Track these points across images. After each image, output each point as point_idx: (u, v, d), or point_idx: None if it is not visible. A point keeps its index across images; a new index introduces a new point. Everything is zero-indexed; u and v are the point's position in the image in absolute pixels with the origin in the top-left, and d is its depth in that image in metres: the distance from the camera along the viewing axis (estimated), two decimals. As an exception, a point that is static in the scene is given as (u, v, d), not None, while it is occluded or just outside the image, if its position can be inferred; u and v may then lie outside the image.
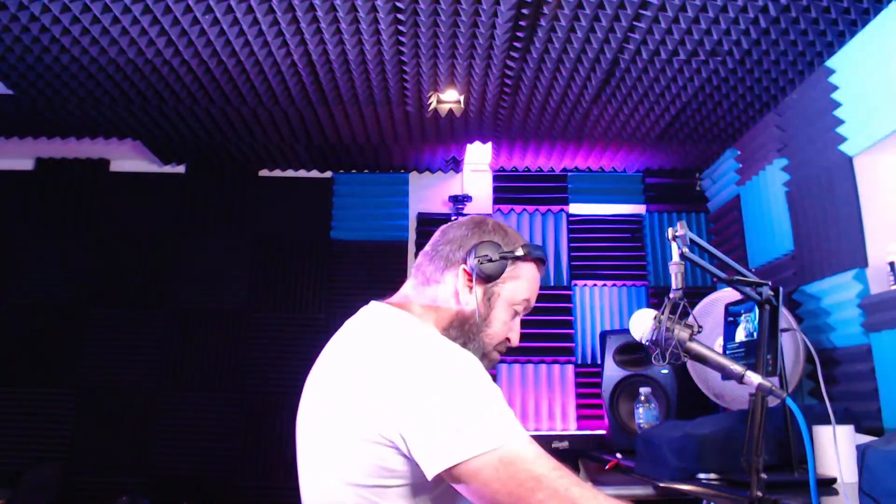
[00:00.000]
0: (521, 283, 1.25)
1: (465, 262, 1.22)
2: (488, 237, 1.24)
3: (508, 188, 3.92)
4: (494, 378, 3.61)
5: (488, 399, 1.04)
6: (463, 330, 1.21)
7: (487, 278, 1.21)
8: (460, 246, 1.24)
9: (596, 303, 3.76)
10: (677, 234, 1.41)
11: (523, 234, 3.80)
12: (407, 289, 1.28)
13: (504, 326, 1.25)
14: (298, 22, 2.35)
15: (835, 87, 2.40)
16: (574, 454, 3.41)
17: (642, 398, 2.79)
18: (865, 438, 1.77)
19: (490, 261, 1.20)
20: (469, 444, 0.99)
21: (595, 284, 3.78)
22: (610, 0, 2.21)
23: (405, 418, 1.02)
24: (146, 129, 3.34)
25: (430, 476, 1.01)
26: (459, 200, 3.79)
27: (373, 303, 1.24)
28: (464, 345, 1.19)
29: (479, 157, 3.79)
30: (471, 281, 1.21)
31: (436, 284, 1.24)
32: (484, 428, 1.01)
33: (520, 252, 1.23)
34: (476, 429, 1.00)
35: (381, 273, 3.71)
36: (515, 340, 1.29)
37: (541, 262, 1.29)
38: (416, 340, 1.12)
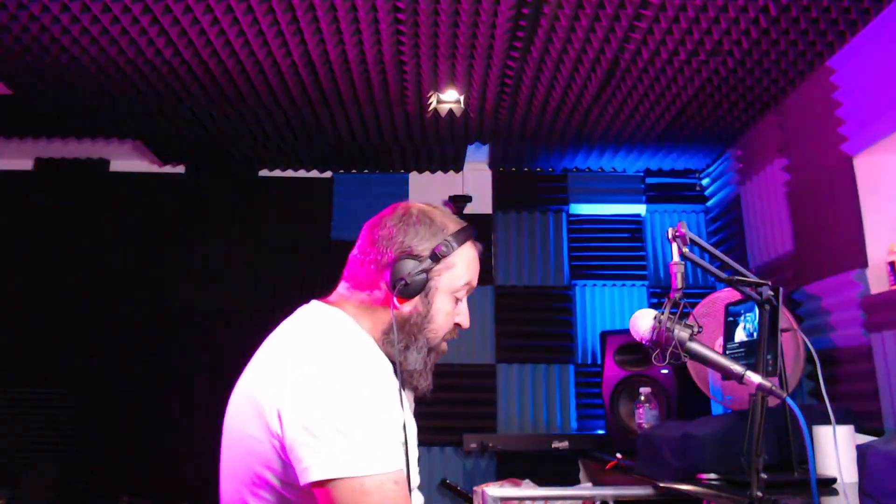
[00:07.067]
0: (457, 270, 1.20)
1: (388, 276, 1.16)
2: (411, 238, 1.18)
3: (508, 188, 3.91)
4: (494, 377, 3.62)
5: (389, 420, 1.01)
6: (404, 331, 1.17)
7: (413, 292, 1.16)
8: (387, 248, 1.19)
9: (596, 303, 3.76)
10: (677, 234, 1.41)
11: (524, 235, 3.84)
12: (341, 289, 1.25)
13: (448, 317, 1.21)
14: (298, 22, 2.35)
15: (835, 87, 2.40)
16: (574, 454, 3.41)
17: (642, 398, 2.79)
18: (865, 438, 1.77)
19: (406, 284, 1.14)
20: (364, 461, 0.95)
21: (595, 284, 3.78)
22: (610, 0, 2.21)
23: (298, 416, 0.98)
24: (146, 129, 3.33)
25: (303, 481, 0.96)
26: (459, 200, 3.79)
27: (312, 301, 1.23)
28: (406, 347, 1.17)
29: (479, 157, 3.78)
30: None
31: (369, 291, 1.20)
32: (383, 449, 0.98)
33: (444, 249, 1.17)
34: (374, 447, 0.97)
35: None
36: (466, 323, 1.24)
37: (473, 240, 1.25)
38: (337, 340, 1.10)
